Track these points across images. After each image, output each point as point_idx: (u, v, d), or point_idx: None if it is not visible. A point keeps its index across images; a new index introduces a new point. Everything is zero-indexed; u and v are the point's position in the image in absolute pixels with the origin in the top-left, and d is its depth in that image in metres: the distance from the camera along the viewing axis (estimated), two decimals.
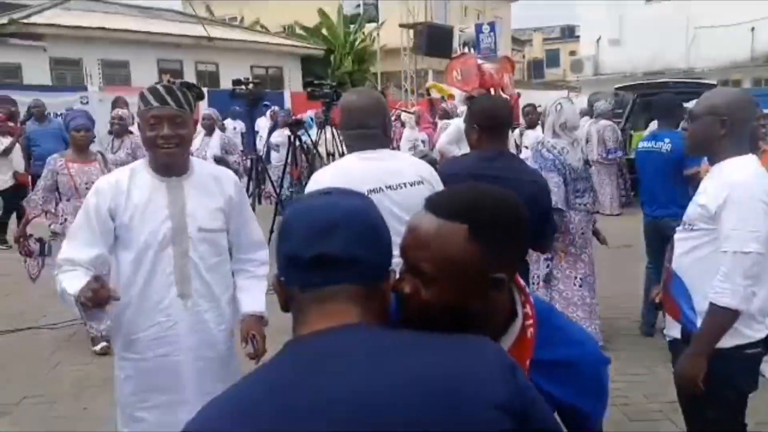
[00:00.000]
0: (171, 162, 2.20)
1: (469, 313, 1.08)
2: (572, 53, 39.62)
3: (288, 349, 0.98)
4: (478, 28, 20.67)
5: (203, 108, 8.61)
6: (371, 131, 2.40)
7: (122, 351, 2.29)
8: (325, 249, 0.98)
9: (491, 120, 2.83)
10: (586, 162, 4.48)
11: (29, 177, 8.89)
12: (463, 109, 12.48)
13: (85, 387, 4.16)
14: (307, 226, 1.01)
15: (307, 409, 0.85)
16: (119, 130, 6.39)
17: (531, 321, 1.18)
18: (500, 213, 1.09)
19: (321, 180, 2.33)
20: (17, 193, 8.54)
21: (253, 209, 6.82)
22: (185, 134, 2.18)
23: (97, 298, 1.91)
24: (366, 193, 2.25)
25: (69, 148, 4.94)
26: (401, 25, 18.73)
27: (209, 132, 7.16)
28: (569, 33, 44.86)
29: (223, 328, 2.33)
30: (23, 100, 12.56)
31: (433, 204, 1.15)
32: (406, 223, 2.31)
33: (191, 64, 20.83)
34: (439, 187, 2.46)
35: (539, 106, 10.84)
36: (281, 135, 9.28)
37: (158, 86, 2.19)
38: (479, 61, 16.42)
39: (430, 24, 18.46)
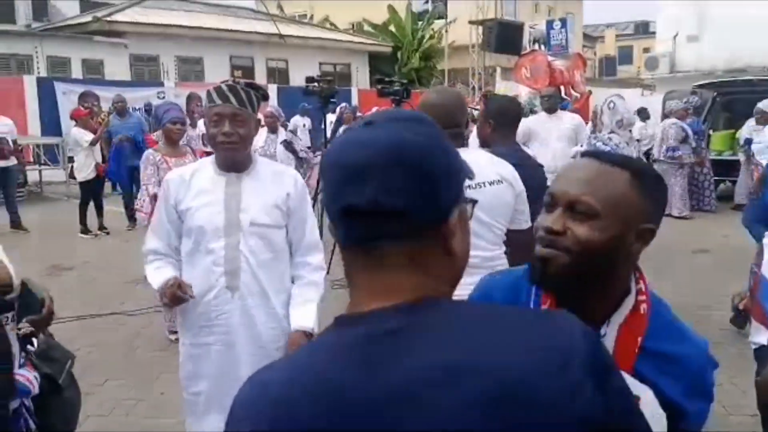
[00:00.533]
0: (231, 159, 2.29)
1: (606, 268, 1.12)
2: (646, 50, 38.35)
3: (334, 330, 0.83)
4: (549, 25, 20.30)
5: (269, 106, 8.83)
6: (452, 130, 2.38)
7: (180, 335, 2.41)
8: (353, 199, 0.79)
9: (503, 117, 3.21)
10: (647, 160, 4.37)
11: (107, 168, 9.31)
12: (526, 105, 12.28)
13: (161, 373, 4.32)
14: (337, 169, 0.81)
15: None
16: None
17: (644, 297, 1.18)
18: (653, 171, 1.20)
19: None
20: (98, 183, 8.97)
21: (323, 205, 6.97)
22: (245, 133, 2.25)
23: (173, 299, 2.17)
24: None
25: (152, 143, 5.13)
26: (471, 22, 18.58)
27: (272, 130, 7.34)
28: (643, 29, 43.47)
29: (272, 326, 2.34)
30: (105, 95, 13.18)
31: (592, 153, 1.20)
32: (484, 224, 2.33)
33: (262, 60, 21.27)
34: (519, 186, 2.46)
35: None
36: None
37: (222, 85, 2.27)
38: (549, 59, 16.14)
39: (500, 21, 18.24)
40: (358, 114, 10.70)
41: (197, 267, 2.29)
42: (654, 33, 24.43)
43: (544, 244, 1.14)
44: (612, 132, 4.13)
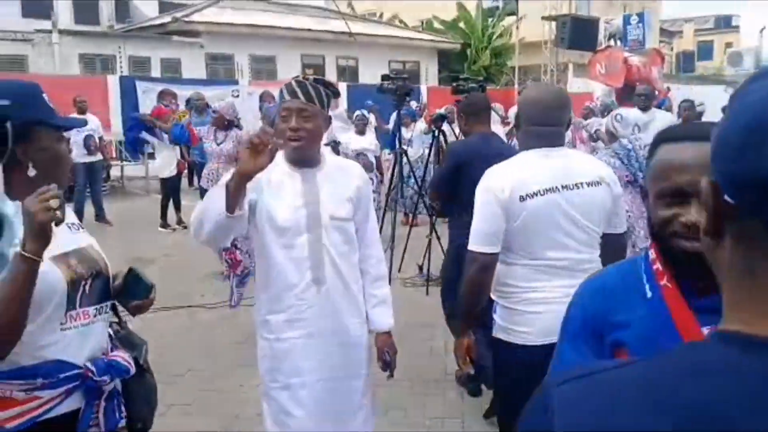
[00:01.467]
0: (299, 154, 2.31)
1: None
2: (729, 45, 36.64)
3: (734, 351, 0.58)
4: (626, 20, 19.67)
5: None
6: (554, 128, 2.35)
7: (260, 330, 2.40)
8: None
9: (473, 107, 3.97)
10: None
11: (186, 165, 9.61)
12: (604, 101, 11.93)
13: (239, 365, 4.41)
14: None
15: None
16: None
17: None
18: None
19: (496, 174, 2.34)
20: (178, 179, 9.28)
21: (395, 203, 6.95)
22: (311, 128, 2.27)
23: (262, 140, 2.05)
24: (542, 193, 2.26)
25: None
26: (544, 18, 18.21)
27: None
28: (725, 23, 41.57)
29: (355, 315, 2.41)
30: (182, 94, 13.58)
31: (679, 135, 1.18)
32: (579, 226, 2.27)
33: (333, 59, 21.49)
34: (617, 189, 2.39)
35: (701, 104, 10.10)
36: (415, 129, 9.41)
37: (293, 81, 2.32)
38: (626, 54, 15.64)
39: (574, 16, 17.78)
40: (426, 112, 10.63)
41: (279, 261, 2.31)
42: (737, 27, 23.31)
43: (688, 238, 1.12)
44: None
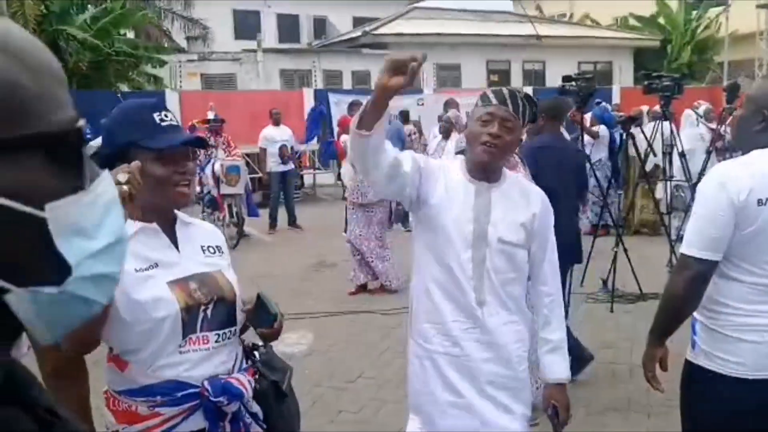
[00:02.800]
0: (487, 162, 2.14)
1: None
2: None
3: None
4: None
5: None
6: None
7: (416, 337, 2.27)
8: None
9: (553, 110, 4.34)
10: None
11: None
12: None
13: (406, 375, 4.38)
14: None
15: None
16: (447, 130, 6.78)
17: None
18: None
19: (732, 172, 2.03)
20: None
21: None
22: (510, 140, 2.12)
23: (404, 60, 1.76)
24: None
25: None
26: (759, 6, 16.28)
27: (446, 135, 7.16)
28: None
29: (518, 347, 2.21)
30: None
31: None
32: None
33: (518, 63, 21.09)
34: None
35: None
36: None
37: (503, 89, 2.19)
38: None
39: None
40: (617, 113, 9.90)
41: (441, 272, 2.18)
42: None
43: None
44: None
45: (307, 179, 14.16)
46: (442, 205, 2.16)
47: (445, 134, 7.49)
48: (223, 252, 1.85)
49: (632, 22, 23.94)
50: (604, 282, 6.07)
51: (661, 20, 22.92)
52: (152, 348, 1.63)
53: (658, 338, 2.17)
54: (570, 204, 4.11)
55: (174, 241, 1.74)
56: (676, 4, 22.66)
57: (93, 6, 15.06)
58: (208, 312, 1.69)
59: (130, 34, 16.44)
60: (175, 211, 1.79)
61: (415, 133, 11.11)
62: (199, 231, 1.84)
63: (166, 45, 17.52)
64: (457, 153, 7.07)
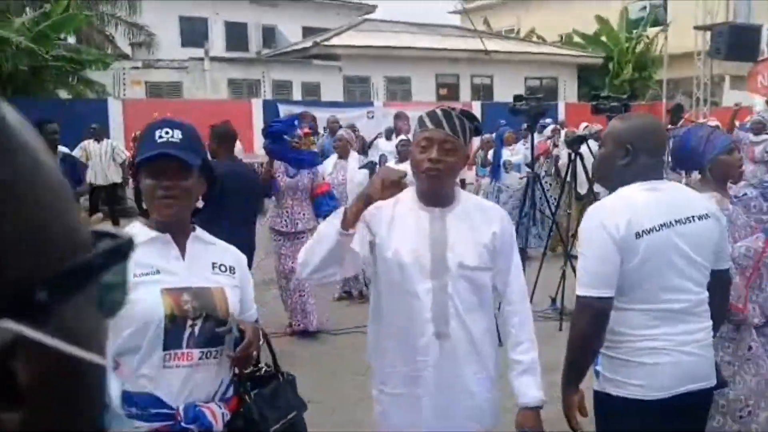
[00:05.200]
0: (434, 189, 2.10)
1: None
2: None
3: None
4: None
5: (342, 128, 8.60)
6: (660, 159, 2.21)
7: (379, 384, 2.23)
8: None
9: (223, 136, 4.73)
10: None
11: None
12: None
13: (361, 399, 4.30)
14: None
15: None
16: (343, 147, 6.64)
17: None
18: None
19: (608, 209, 2.15)
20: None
21: (527, 231, 6.61)
22: (452, 162, 2.06)
23: (390, 185, 1.99)
24: (656, 229, 2.02)
25: None
26: (696, 27, 16.92)
27: (342, 155, 6.65)
28: None
29: (482, 376, 2.17)
30: (321, 116, 14.02)
31: None
32: (694, 264, 2.06)
33: (467, 77, 21.34)
34: (723, 220, 2.25)
35: None
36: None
37: (438, 110, 2.12)
38: None
39: (732, 24, 16.38)
40: (564, 129, 10.09)
41: (398, 309, 2.13)
42: None
43: None
44: None
45: None
46: (393, 242, 2.09)
47: (341, 153, 6.65)
48: (235, 273, 1.85)
49: (576, 39, 24.58)
50: (553, 300, 6.13)
51: (604, 38, 23.61)
52: (139, 354, 1.65)
53: (574, 384, 2.22)
54: (250, 221, 4.72)
55: (183, 253, 1.80)
56: (618, 23, 23.38)
57: (32, 9, 14.50)
58: (196, 329, 1.70)
59: (71, 39, 15.90)
60: (196, 227, 1.86)
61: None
62: (216, 249, 1.88)
63: (109, 51, 17.01)
64: (361, 168, 6.91)
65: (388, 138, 11.06)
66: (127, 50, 19.00)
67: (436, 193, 2.13)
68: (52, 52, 13.70)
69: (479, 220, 2.16)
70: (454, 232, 2.11)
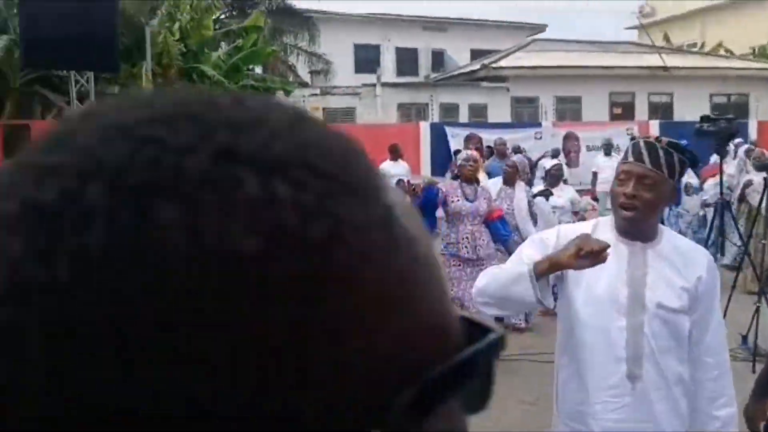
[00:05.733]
0: (629, 225, 1.99)
1: None
2: None
3: None
4: None
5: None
6: None
7: (563, 416, 2.11)
8: None
9: None
10: None
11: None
12: None
13: None
14: None
15: None
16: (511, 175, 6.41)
17: None
18: None
19: None
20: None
21: (714, 259, 6.08)
22: (650, 198, 1.93)
23: (594, 248, 1.82)
24: None
25: None
26: None
27: (509, 182, 6.28)
28: None
29: (676, 423, 1.99)
30: (487, 138, 14.02)
31: None
32: None
33: (644, 96, 20.23)
34: None
35: None
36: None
37: (641, 141, 2.02)
38: None
39: None
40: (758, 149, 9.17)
41: (589, 345, 2.03)
42: None
43: None
44: None
45: None
46: (590, 274, 1.99)
47: (509, 180, 6.33)
48: None
49: None
50: (744, 338, 5.59)
51: None
52: None
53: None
54: None
55: None
56: None
57: (226, 44, 16.04)
58: None
59: (258, 69, 17.35)
60: None
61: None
62: None
63: (291, 80, 18.34)
64: (536, 196, 6.62)
65: (554, 158, 10.80)
66: (307, 78, 20.33)
67: (634, 228, 2.02)
68: (242, 82, 15.06)
69: (683, 262, 2.02)
70: (654, 270, 1.99)
